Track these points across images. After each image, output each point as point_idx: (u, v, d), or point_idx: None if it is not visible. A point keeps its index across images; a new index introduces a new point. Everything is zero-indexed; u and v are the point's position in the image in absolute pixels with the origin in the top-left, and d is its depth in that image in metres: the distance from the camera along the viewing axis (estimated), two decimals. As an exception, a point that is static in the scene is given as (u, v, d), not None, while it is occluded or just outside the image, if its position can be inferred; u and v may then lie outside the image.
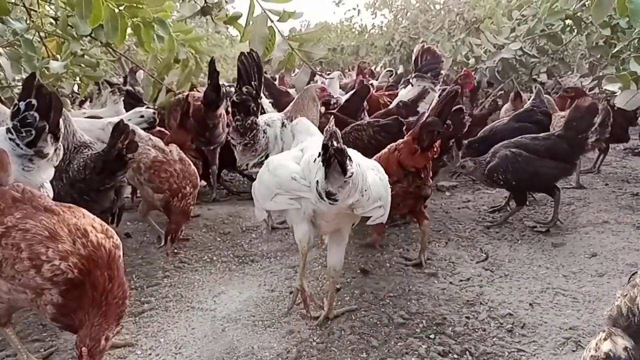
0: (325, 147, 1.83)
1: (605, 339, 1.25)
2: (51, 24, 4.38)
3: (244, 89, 3.56)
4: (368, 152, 3.42)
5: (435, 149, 2.99)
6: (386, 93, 6.28)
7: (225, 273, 3.28)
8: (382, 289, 2.91)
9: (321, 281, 3.04)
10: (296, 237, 2.41)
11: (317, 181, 2.01)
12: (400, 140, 3.10)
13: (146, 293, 2.98)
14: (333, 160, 1.85)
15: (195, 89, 5.11)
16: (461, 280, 3.04)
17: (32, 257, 1.90)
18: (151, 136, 3.60)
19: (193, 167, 3.62)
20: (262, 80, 3.68)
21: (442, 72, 5.30)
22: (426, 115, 3.28)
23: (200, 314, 2.75)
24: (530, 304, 2.73)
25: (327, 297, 2.61)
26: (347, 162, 1.88)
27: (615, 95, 3.51)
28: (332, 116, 3.51)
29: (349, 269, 3.21)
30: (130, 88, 9.30)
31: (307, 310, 2.60)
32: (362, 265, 3.23)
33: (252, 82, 3.59)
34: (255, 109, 3.63)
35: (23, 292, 1.97)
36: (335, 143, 1.82)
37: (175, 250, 3.52)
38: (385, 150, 3.13)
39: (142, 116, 4.31)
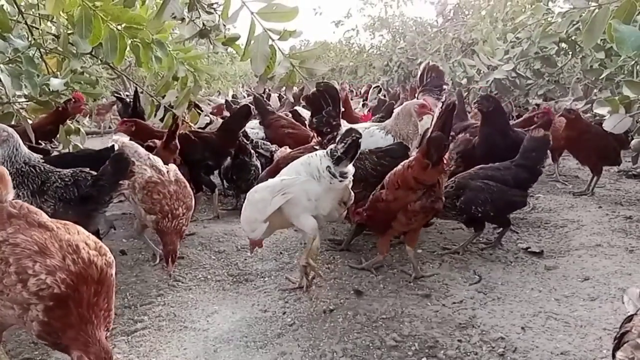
0: (348, 148, 2.89)
1: None
2: (52, 40, 4.44)
3: (314, 120, 4.18)
4: (372, 180, 3.52)
5: (445, 163, 3.13)
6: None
7: (219, 292, 3.28)
8: (375, 310, 2.92)
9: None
10: (307, 228, 3.09)
11: (328, 167, 2.92)
12: (411, 158, 3.23)
13: (139, 312, 2.97)
14: (347, 156, 2.91)
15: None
16: (454, 303, 3.05)
17: (19, 271, 1.91)
18: (150, 155, 3.62)
19: (189, 188, 3.61)
20: (338, 104, 4.18)
21: (445, 87, 5.40)
22: (430, 130, 3.38)
23: (192, 334, 2.74)
24: (523, 328, 2.73)
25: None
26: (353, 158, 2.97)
27: (605, 119, 3.57)
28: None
29: (343, 289, 3.22)
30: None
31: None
32: (356, 286, 3.24)
33: (324, 110, 4.11)
34: (329, 129, 4.16)
35: (11, 307, 1.97)
36: (349, 153, 2.90)
37: (173, 270, 3.52)
38: (399, 167, 3.25)
39: None
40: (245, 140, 5.19)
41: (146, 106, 4.40)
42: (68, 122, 4.64)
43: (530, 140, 3.95)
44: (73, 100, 4.53)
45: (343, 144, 2.91)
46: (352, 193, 3.16)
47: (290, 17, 2.98)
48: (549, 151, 5.91)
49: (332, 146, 3.00)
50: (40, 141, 4.38)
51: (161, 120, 4.51)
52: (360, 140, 2.91)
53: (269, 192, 3.01)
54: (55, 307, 1.92)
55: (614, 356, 1.74)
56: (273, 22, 3.04)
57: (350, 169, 2.99)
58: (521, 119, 5.99)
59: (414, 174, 3.10)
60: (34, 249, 1.95)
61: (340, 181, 2.96)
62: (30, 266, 1.91)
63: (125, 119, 5.29)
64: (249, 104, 5.73)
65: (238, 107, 5.79)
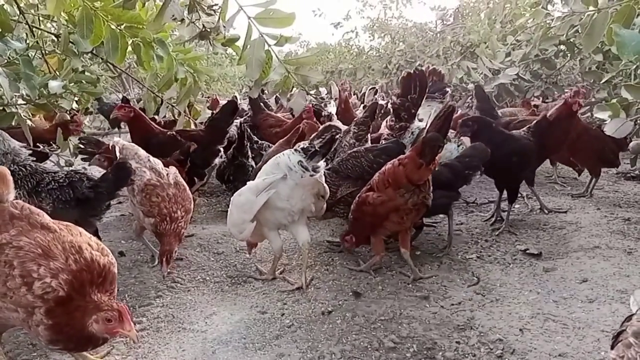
0: (325, 143, 3.04)
1: None
2: (53, 41, 4.44)
3: (399, 100, 4.38)
4: (368, 177, 3.49)
5: (435, 163, 3.11)
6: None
7: (218, 294, 3.28)
8: (374, 312, 2.93)
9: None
10: (274, 245, 3.39)
11: (299, 162, 3.03)
12: (403, 156, 3.23)
13: (138, 313, 2.97)
14: (323, 151, 3.04)
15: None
16: (452, 304, 3.05)
17: (23, 275, 1.92)
18: (150, 157, 3.61)
19: (188, 191, 3.61)
20: (423, 97, 4.35)
21: (448, 89, 5.48)
22: (426, 130, 3.38)
23: (191, 336, 2.75)
24: (521, 330, 2.74)
25: (303, 270, 3.32)
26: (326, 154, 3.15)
27: (606, 123, 3.57)
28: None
29: (341, 291, 3.23)
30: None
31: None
32: (355, 288, 3.25)
33: (409, 96, 4.29)
34: (406, 116, 4.35)
35: (15, 310, 1.97)
36: (325, 148, 3.05)
37: (169, 270, 3.52)
38: (389, 165, 3.25)
39: None
40: (246, 142, 5.18)
41: (149, 103, 4.42)
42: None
43: (470, 148, 3.97)
44: (76, 123, 4.96)
45: (321, 140, 3.05)
46: (327, 186, 3.31)
47: (287, 23, 2.99)
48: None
49: (303, 143, 3.15)
50: (38, 144, 4.39)
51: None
52: (337, 137, 3.08)
53: (252, 192, 3.15)
54: (57, 307, 1.93)
55: None
56: (270, 27, 3.05)
57: (322, 163, 3.13)
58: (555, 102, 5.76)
59: (406, 172, 3.11)
60: (37, 252, 1.96)
61: (311, 175, 3.06)
62: (35, 269, 1.92)
63: (123, 104, 5.27)
64: (235, 100, 5.72)
65: (224, 103, 5.78)
